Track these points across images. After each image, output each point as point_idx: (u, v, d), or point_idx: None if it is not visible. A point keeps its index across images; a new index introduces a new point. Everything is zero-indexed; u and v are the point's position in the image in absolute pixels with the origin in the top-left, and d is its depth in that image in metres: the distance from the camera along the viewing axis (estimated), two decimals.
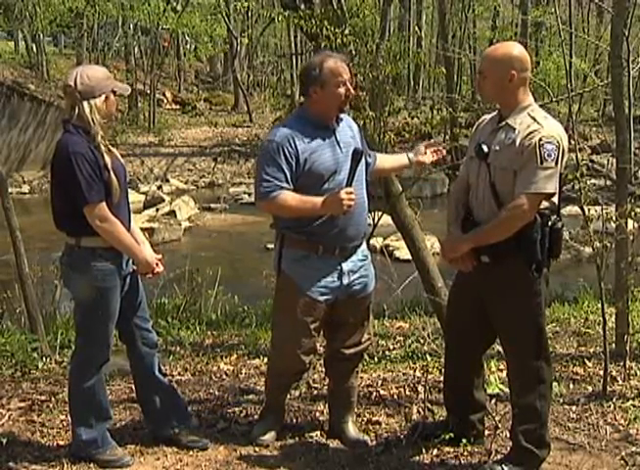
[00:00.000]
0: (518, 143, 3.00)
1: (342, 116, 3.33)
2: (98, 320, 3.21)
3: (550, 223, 3.03)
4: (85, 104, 3.08)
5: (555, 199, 3.08)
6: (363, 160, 3.32)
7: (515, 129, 3.03)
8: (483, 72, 3.12)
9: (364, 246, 3.44)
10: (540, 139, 2.96)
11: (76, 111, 3.08)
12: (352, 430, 3.55)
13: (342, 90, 3.19)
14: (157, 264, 3.26)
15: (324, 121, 3.25)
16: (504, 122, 3.09)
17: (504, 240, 3.03)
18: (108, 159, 3.08)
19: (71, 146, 3.05)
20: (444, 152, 3.62)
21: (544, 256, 3.03)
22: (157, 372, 3.44)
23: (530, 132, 2.99)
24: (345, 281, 3.32)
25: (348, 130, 3.36)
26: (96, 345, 3.25)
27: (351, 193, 3.09)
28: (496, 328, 3.22)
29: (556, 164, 2.96)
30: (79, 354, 3.33)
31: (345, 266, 3.31)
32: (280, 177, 3.16)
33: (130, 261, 3.26)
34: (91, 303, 3.18)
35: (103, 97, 3.10)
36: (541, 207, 3.02)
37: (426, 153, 3.59)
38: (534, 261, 3.03)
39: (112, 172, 3.07)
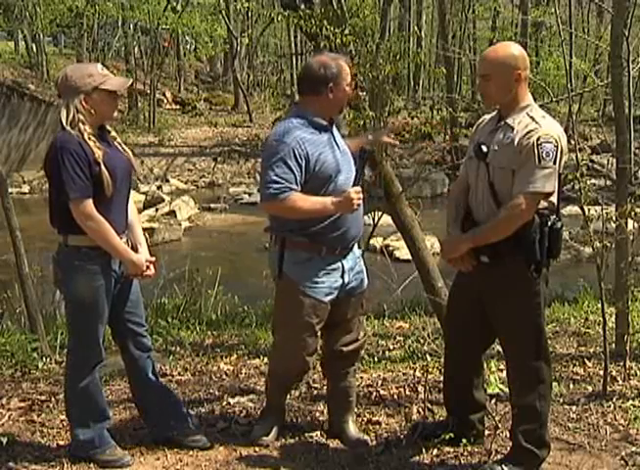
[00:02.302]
0: (516, 142, 3.00)
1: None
2: (87, 320, 3.20)
3: (549, 223, 3.03)
4: (63, 104, 3.10)
5: (554, 199, 3.08)
6: None
7: (513, 129, 3.03)
8: (487, 75, 3.08)
9: (357, 244, 3.48)
10: (538, 138, 2.96)
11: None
12: (352, 430, 3.55)
13: (349, 90, 3.26)
14: (147, 267, 3.23)
15: (325, 121, 3.27)
16: (503, 122, 3.10)
17: (503, 240, 3.03)
18: (99, 153, 3.06)
19: (60, 142, 3.05)
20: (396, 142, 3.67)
21: (543, 256, 3.03)
22: (151, 375, 3.42)
23: (529, 132, 2.99)
24: (346, 279, 3.36)
25: (335, 130, 3.39)
26: (86, 345, 3.24)
27: (359, 192, 3.14)
28: (496, 328, 3.22)
29: (554, 163, 2.96)
30: (72, 355, 3.33)
31: (346, 264, 3.35)
32: (290, 179, 3.12)
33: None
34: (79, 302, 3.17)
35: (81, 96, 3.07)
36: (540, 206, 3.02)
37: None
38: (533, 262, 3.02)
39: (103, 167, 3.05)
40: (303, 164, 3.14)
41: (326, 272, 3.29)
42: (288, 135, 3.17)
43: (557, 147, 2.96)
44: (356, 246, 3.45)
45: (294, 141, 3.14)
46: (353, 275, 3.39)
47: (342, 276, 3.33)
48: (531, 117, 3.02)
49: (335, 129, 3.36)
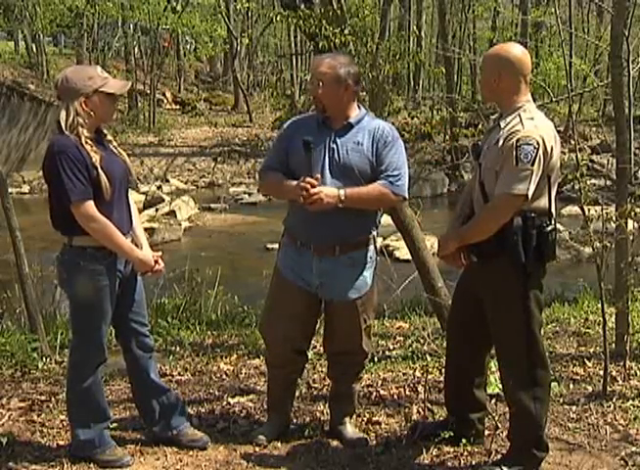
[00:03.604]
0: (500, 144, 3.01)
1: (352, 120, 3.28)
2: (90, 320, 3.20)
3: (538, 226, 3.00)
4: (63, 106, 3.10)
5: (544, 201, 3.05)
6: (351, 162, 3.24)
7: (501, 130, 3.04)
8: (481, 71, 3.20)
9: (359, 253, 3.31)
10: (518, 140, 2.95)
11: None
12: (350, 431, 3.55)
13: (311, 87, 3.31)
14: (156, 262, 3.25)
15: (322, 118, 3.29)
16: (497, 123, 3.11)
17: (486, 240, 3.04)
18: (96, 157, 3.07)
19: (57, 146, 3.06)
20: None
21: (529, 259, 3.00)
22: (152, 375, 3.43)
23: (511, 133, 2.99)
24: (317, 280, 3.29)
25: (359, 137, 3.26)
26: (89, 345, 3.24)
27: (306, 182, 3.10)
28: (490, 327, 3.22)
29: (532, 165, 2.93)
30: (74, 355, 3.32)
31: (320, 265, 3.27)
32: (273, 159, 3.37)
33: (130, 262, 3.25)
34: (83, 302, 3.18)
35: (82, 98, 3.08)
36: (525, 208, 2.99)
37: None
38: (518, 264, 3.00)
39: (101, 171, 3.06)
40: (284, 149, 3.33)
41: (297, 260, 3.32)
42: (289, 121, 3.45)
43: (537, 149, 2.93)
44: (353, 256, 3.28)
45: (287, 126, 3.40)
46: (330, 281, 3.28)
47: (314, 273, 3.28)
48: (520, 119, 3.02)
49: (351, 136, 3.26)
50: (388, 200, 3.28)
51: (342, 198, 3.14)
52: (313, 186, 3.10)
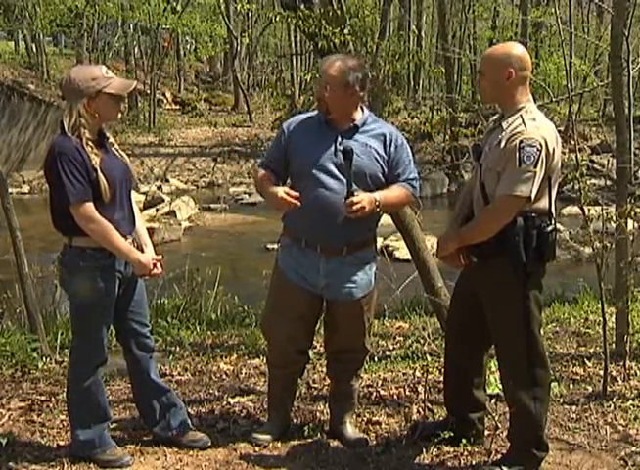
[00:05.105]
0: (502, 145, 3.00)
1: (357, 122, 3.27)
2: (90, 320, 3.21)
3: (539, 227, 3.00)
4: (67, 106, 3.10)
5: (544, 202, 3.05)
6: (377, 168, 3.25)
7: (503, 130, 3.03)
8: (482, 72, 3.14)
9: (363, 252, 3.33)
10: (521, 141, 2.94)
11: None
12: (351, 430, 3.54)
13: (320, 91, 3.24)
14: (154, 266, 3.24)
15: (326, 120, 3.27)
16: (499, 123, 3.10)
17: (487, 241, 3.04)
18: (96, 159, 3.07)
19: (58, 147, 3.06)
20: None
21: (530, 259, 3.00)
22: (152, 375, 3.43)
23: (514, 134, 2.98)
24: (324, 281, 3.29)
25: (366, 139, 3.26)
26: (89, 345, 3.24)
27: (287, 194, 3.10)
28: (490, 327, 3.22)
29: (535, 166, 2.93)
30: (75, 355, 3.33)
31: (327, 266, 3.27)
32: (270, 156, 3.37)
33: None
34: (83, 302, 3.18)
35: (85, 99, 3.07)
36: (526, 209, 2.99)
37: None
38: (518, 265, 3.00)
39: (100, 173, 3.06)
40: (284, 148, 3.32)
41: (302, 263, 3.30)
42: (291, 119, 3.43)
43: (540, 150, 2.93)
44: (358, 256, 3.30)
45: (288, 123, 3.37)
46: (336, 281, 3.28)
47: (319, 274, 3.27)
48: (522, 119, 3.01)
49: (357, 139, 3.24)
50: (410, 202, 3.54)
51: (378, 203, 3.17)
52: (297, 198, 3.09)
